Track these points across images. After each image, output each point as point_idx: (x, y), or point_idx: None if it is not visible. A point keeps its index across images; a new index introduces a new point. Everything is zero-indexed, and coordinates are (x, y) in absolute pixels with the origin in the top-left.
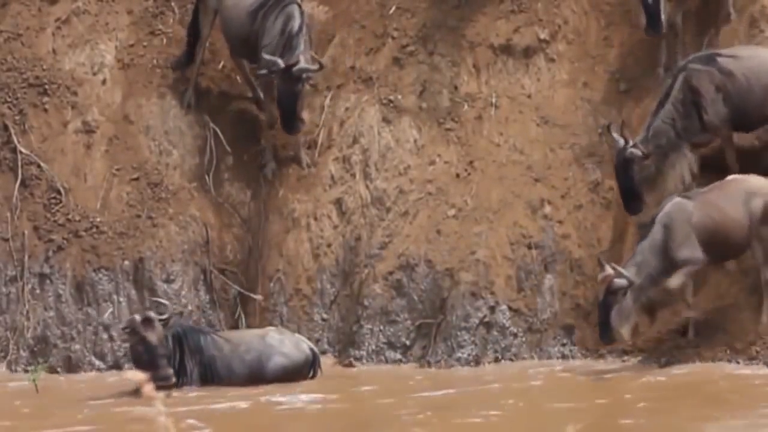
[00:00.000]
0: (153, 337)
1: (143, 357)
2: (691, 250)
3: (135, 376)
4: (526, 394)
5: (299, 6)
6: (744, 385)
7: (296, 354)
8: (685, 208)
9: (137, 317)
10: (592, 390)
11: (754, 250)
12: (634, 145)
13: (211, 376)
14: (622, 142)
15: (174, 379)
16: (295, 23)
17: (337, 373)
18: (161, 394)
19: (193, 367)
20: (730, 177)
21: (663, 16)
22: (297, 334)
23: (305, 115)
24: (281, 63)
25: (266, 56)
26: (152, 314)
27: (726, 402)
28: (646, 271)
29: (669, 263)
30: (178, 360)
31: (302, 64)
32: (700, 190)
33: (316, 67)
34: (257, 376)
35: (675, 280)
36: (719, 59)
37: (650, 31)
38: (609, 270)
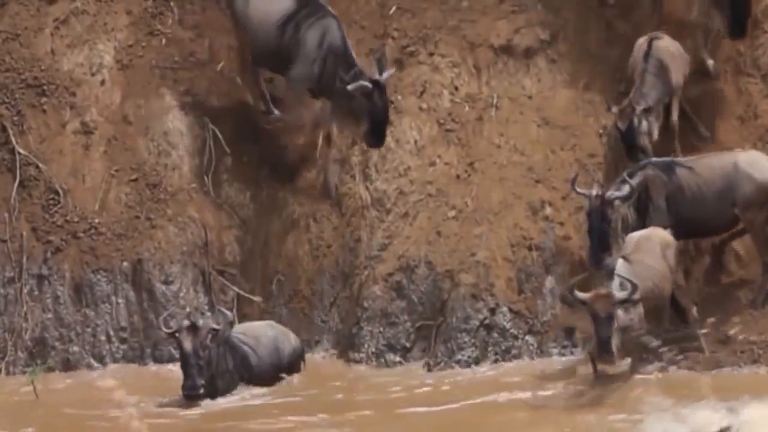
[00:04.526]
0: (188, 345)
1: (180, 363)
2: (640, 317)
3: (106, 383)
4: None
5: (336, 18)
6: None
7: (296, 344)
8: (630, 273)
9: (185, 322)
10: None
11: (679, 298)
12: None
13: (247, 372)
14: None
15: (201, 390)
16: (336, 35)
17: None
18: (133, 399)
19: (233, 371)
20: (637, 234)
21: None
22: (283, 327)
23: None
24: (369, 84)
25: (350, 87)
26: (201, 321)
27: None
28: None
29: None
30: (230, 368)
31: (384, 74)
32: (626, 253)
33: (392, 69)
34: (277, 365)
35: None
36: (677, 170)
37: (734, 34)
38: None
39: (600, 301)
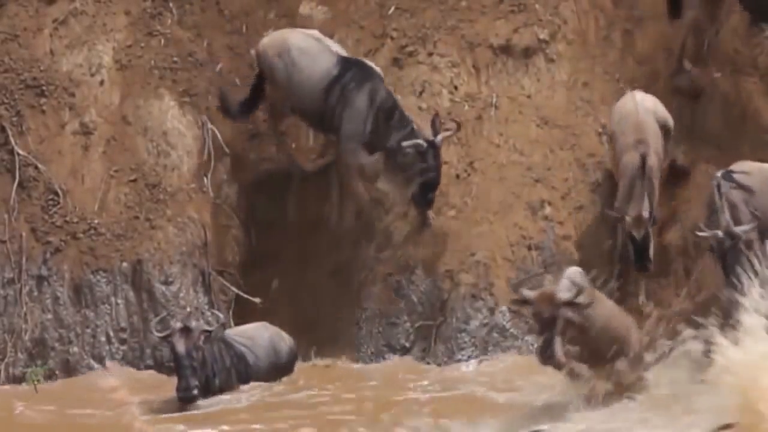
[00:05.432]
0: (181, 347)
1: (173, 365)
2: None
3: (107, 382)
4: None
5: (381, 78)
6: None
7: (291, 344)
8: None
9: (178, 324)
10: None
11: None
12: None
13: (245, 372)
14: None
15: (195, 392)
16: (385, 95)
17: None
18: (137, 398)
19: (230, 368)
20: None
21: None
22: (277, 328)
23: None
24: (423, 143)
25: (405, 144)
26: (194, 323)
27: None
28: None
29: None
30: (227, 366)
31: (439, 136)
32: None
33: (453, 129)
34: (275, 363)
35: None
36: (736, 177)
37: None
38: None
39: (544, 300)
